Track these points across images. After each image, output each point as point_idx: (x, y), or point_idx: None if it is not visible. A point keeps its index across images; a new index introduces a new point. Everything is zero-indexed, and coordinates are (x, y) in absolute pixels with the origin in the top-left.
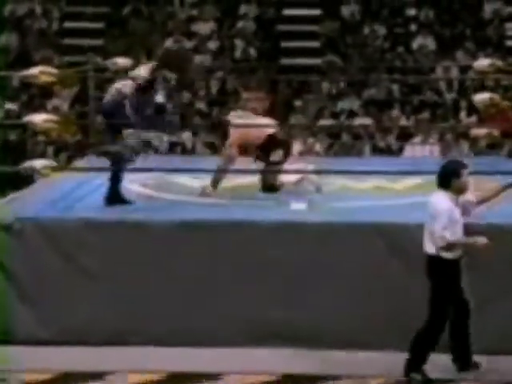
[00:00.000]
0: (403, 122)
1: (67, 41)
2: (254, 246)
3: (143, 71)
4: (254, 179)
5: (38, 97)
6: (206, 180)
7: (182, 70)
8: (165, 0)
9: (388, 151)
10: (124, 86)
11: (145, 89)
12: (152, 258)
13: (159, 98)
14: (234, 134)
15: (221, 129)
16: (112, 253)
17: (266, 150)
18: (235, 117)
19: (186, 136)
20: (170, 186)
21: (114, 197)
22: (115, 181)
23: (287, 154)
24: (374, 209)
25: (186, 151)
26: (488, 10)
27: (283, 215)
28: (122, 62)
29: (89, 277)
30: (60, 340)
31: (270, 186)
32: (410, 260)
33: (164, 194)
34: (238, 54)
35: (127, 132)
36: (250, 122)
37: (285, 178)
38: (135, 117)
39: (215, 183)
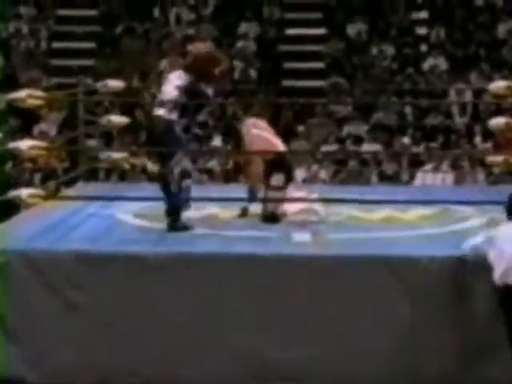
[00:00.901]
0: (413, 147)
1: (56, 61)
2: (254, 280)
3: (177, 81)
4: (254, 208)
5: (24, 121)
6: (204, 210)
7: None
8: (160, 18)
9: (397, 179)
10: (169, 112)
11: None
12: (148, 293)
13: (200, 116)
14: (254, 144)
15: (235, 135)
16: (106, 288)
17: (268, 170)
18: (251, 124)
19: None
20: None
21: (176, 224)
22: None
23: (289, 179)
24: (383, 241)
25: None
26: (502, 29)
27: (286, 248)
28: (114, 84)
29: (80, 314)
30: (49, 382)
31: (270, 216)
32: (421, 296)
33: (160, 225)
34: (237, 75)
35: (179, 156)
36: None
37: (287, 208)
38: (186, 137)
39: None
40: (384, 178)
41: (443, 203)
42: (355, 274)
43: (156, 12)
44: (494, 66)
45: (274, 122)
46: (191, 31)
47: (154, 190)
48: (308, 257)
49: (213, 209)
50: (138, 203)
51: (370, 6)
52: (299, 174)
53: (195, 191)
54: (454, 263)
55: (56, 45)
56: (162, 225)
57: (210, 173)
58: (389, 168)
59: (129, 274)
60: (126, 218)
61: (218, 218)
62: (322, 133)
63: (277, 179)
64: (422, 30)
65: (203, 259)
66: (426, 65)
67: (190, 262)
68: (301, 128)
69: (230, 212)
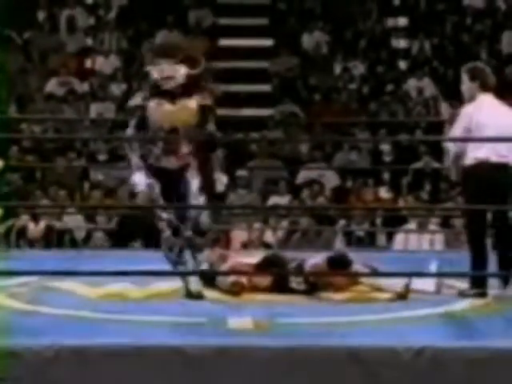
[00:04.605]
0: (391, 199)
1: None
2: (177, 381)
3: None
4: (177, 284)
5: None
6: (105, 286)
7: None
8: (46, 24)
9: (370, 242)
10: None
11: None
12: None
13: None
14: None
15: None
16: None
17: None
18: None
19: (77, 220)
20: (50, 296)
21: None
22: None
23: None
24: (346, 326)
25: (75, 242)
26: (507, 40)
27: (220, 337)
28: None
29: None
30: None
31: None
32: None
33: (43, 308)
34: None
35: None
36: None
37: None
38: None
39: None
40: (353, 240)
41: (434, 277)
42: (312, 369)
43: (40, 15)
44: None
45: (203, 165)
46: (89, 42)
47: (39, 257)
48: (248, 348)
49: (118, 285)
50: (15, 278)
51: (331, 10)
52: (238, 235)
53: (90, 260)
54: (441, 354)
55: None
56: (44, 308)
57: (112, 235)
58: (359, 227)
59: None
60: None
61: (127, 296)
62: (268, 179)
63: None
64: (400, 42)
65: (107, 353)
66: (407, 87)
67: (88, 357)
68: (239, 173)
69: (143, 289)
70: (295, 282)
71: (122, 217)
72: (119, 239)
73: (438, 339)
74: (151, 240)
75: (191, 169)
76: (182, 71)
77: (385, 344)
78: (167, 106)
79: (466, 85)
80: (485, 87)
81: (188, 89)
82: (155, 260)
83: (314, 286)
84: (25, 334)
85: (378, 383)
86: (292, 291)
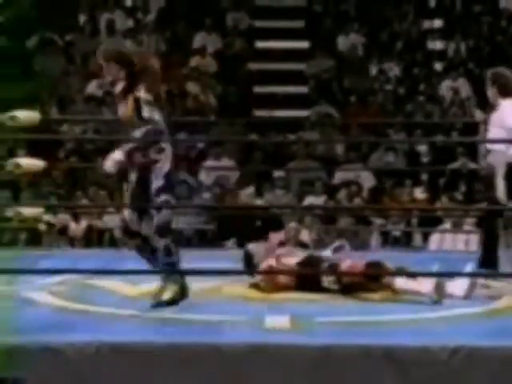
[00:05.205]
0: (428, 199)
1: None
2: (215, 380)
3: None
4: (220, 282)
5: None
6: (146, 284)
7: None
8: (87, 27)
9: (406, 242)
10: None
11: None
12: None
13: None
14: None
15: None
16: None
17: None
18: None
19: (116, 219)
20: (91, 294)
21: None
22: None
23: None
24: (385, 325)
25: (115, 241)
26: None
27: (257, 336)
28: (24, 115)
29: None
30: None
31: None
32: None
33: (83, 306)
34: (190, 102)
35: None
36: None
37: None
38: None
39: None
40: (389, 240)
41: (467, 276)
42: (350, 368)
43: (81, 19)
44: None
45: (241, 166)
46: (128, 44)
47: (78, 256)
48: (285, 347)
49: (156, 283)
50: (55, 276)
51: (367, 11)
52: (275, 234)
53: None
54: (476, 353)
55: None
56: (85, 306)
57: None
58: (395, 227)
59: (43, 370)
60: (39, 296)
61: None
62: (305, 180)
63: None
64: (436, 44)
65: (146, 351)
66: (443, 89)
67: (128, 355)
68: (277, 174)
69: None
70: (327, 282)
71: (219, 217)
72: (214, 238)
73: (474, 338)
74: (245, 239)
75: (156, 169)
76: (120, 74)
77: (420, 343)
78: (119, 105)
79: (489, 90)
80: (504, 92)
81: (131, 88)
82: (193, 259)
83: (347, 287)
84: (65, 330)
85: (414, 382)
86: (325, 290)
